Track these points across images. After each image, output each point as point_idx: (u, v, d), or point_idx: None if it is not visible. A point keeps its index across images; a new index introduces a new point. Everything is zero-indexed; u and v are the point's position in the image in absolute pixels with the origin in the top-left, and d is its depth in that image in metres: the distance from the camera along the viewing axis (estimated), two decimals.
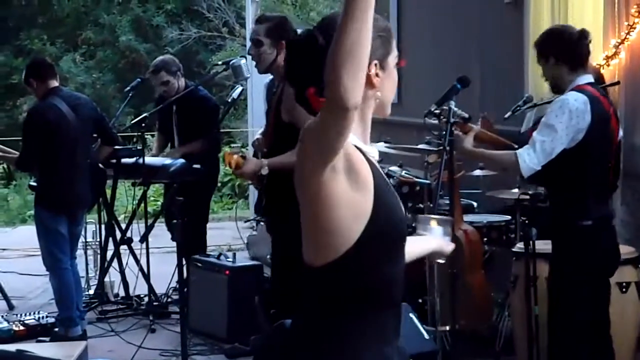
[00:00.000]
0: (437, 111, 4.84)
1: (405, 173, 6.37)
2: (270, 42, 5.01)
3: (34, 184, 6.73)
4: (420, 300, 5.77)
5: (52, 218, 6.34)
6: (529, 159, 4.29)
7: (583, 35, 4.45)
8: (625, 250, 4.93)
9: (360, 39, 2.02)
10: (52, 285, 6.50)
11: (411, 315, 4.47)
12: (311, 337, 2.30)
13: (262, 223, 7.29)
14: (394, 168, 6.46)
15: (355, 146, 2.27)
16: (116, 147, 6.94)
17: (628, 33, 5.44)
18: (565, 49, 4.42)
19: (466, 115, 4.80)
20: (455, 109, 4.78)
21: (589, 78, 4.48)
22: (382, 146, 6.11)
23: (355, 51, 2.02)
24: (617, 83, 5.31)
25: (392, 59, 2.39)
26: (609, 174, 4.57)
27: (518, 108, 5.44)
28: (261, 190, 5.14)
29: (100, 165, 6.93)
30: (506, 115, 5.40)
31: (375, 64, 2.32)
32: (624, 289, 4.88)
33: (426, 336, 5.00)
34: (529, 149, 4.31)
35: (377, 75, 2.32)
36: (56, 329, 6.47)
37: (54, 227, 6.33)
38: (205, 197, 7.49)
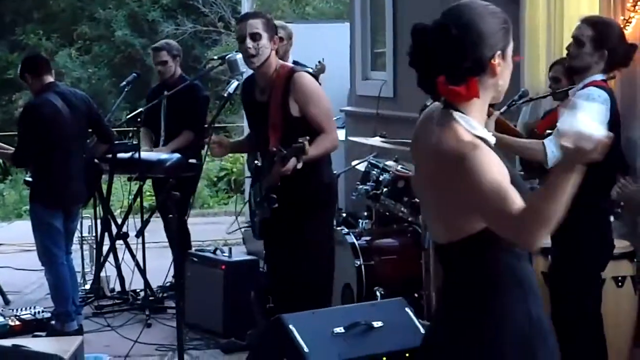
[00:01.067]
0: None
1: (401, 167, 6.36)
2: (268, 37, 4.97)
3: (30, 179, 6.72)
4: (416, 295, 5.77)
5: (48, 213, 6.33)
6: (557, 149, 4.23)
7: (634, 49, 4.47)
8: (621, 245, 4.93)
9: (560, 211, 2.25)
10: (47, 280, 6.49)
11: (407, 309, 4.47)
12: (472, 300, 2.50)
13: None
14: (389, 162, 6.45)
15: (478, 136, 2.41)
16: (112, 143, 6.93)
17: (624, 27, 5.43)
18: (619, 54, 4.43)
19: None
20: None
21: (602, 75, 4.48)
22: (377, 140, 6.09)
23: (553, 219, 2.26)
24: (613, 77, 5.31)
25: (510, 49, 2.53)
26: (617, 170, 4.57)
27: (513, 102, 5.43)
28: (272, 190, 4.93)
29: (96, 160, 6.92)
30: (501, 110, 5.38)
31: (498, 54, 2.45)
32: (619, 283, 4.88)
33: (422, 330, 4.99)
34: (555, 139, 4.26)
35: (498, 64, 2.45)
36: (52, 323, 6.47)
37: (50, 222, 6.33)
38: (188, 192, 7.42)
